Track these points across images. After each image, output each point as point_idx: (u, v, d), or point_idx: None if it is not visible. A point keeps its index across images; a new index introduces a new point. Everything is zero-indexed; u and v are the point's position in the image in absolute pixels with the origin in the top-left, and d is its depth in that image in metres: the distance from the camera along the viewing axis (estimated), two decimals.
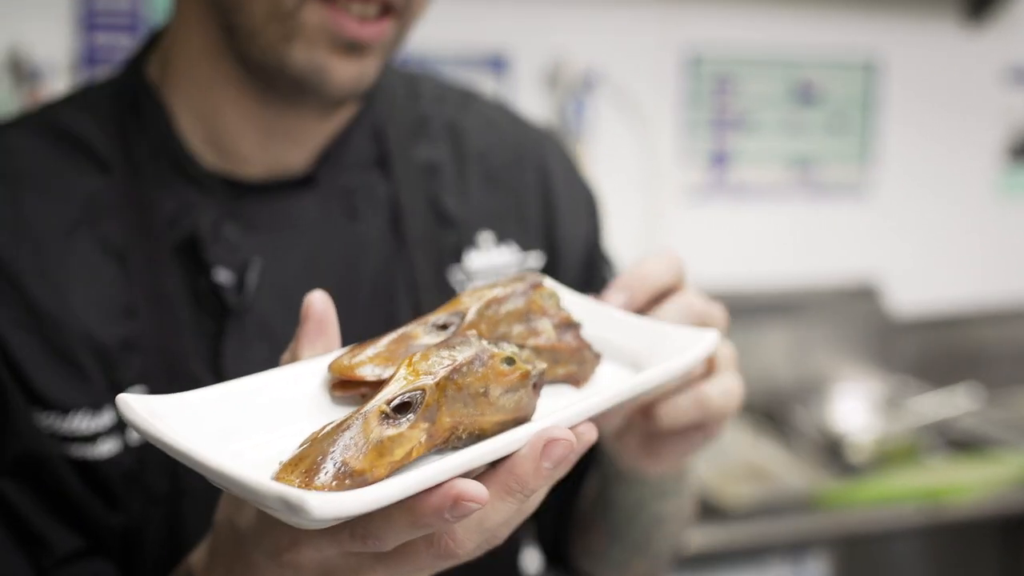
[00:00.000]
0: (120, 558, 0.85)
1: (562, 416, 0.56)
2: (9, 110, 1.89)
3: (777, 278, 2.63)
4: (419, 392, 0.54)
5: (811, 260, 2.68)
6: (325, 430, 0.53)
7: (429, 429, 0.54)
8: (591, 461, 0.97)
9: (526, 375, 0.57)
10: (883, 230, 2.75)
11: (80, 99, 0.92)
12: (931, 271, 2.83)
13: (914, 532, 2.18)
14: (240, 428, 0.57)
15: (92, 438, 0.83)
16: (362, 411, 0.53)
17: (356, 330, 0.88)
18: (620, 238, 2.45)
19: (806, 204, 2.67)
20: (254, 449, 0.55)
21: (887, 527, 2.12)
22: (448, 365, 0.55)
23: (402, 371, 0.55)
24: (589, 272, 1.01)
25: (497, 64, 2.31)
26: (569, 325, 0.66)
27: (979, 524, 2.30)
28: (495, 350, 0.57)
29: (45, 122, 0.90)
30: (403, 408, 0.54)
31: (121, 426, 0.83)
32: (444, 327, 0.62)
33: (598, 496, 0.97)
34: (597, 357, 0.66)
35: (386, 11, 0.84)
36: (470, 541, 0.54)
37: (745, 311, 2.57)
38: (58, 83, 1.96)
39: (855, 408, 2.52)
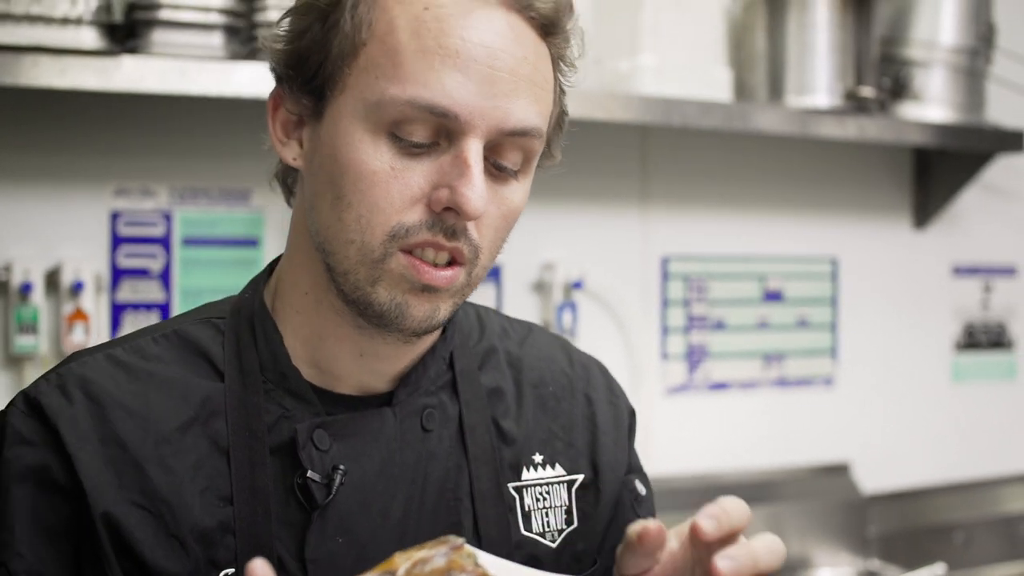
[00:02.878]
0: None
1: None
2: (41, 321, 2.09)
3: (754, 464, 2.79)
4: None
5: (784, 446, 2.85)
6: None
7: None
8: None
9: None
10: (850, 416, 2.95)
11: (204, 314, 1.08)
12: (895, 452, 3.01)
13: None
14: None
15: None
16: None
17: (423, 528, 1.03)
18: None
19: (778, 395, 2.86)
20: None
21: None
22: None
23: None
24: (623, 486, 1.16)
25: (493, 273, 2.49)
26: None
27: None
28: None
29: (174, 332, 1.06)
30: None
31: None
32: None
33: None
34: None
35: (454, 260, 0.99)
36: None
37: (723, 495, 2.71)
38: (90, 298, 2.13)
39: None
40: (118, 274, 2.20)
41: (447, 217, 0.97)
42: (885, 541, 2.92)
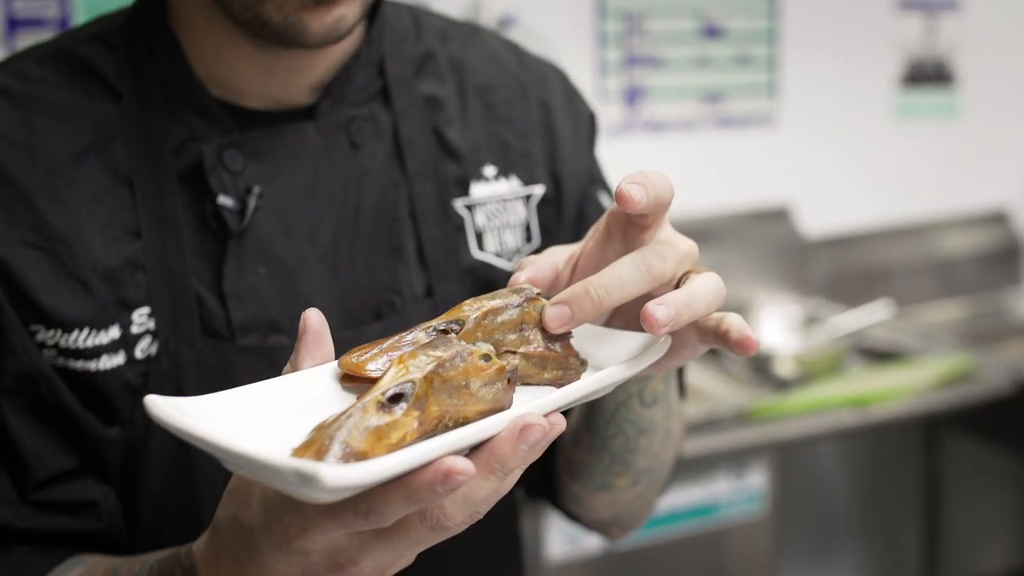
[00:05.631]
0: (121, 472, 0.89)
1: (535, 405, 0.63)
2: None
3: (694, 207, 2.73)
4: (409, 384, 0.61)
5: (725, 188, 2.78)
6: (329, 419, 0.59)
7: (420, 417, 0.61)
8: None
9: (501, 370, 0.64)
10: (791, 157, 2.87)
11: (93, 29, 0.94)
12: (837, 193, 2.95)
13: (841, 436, 2.30)
14: (255, 424, 0.63)
15: (95, 352, 0.86)
16: (361, 402, 0.60)
17: (359, 254, 0.92)
18: None
19: (717, 135, 2.77)
20: (269, 441, 0.61)
21: (817, 432, 2.23)
22: (434, 360, 0.62)
23: (393, 368, 0.62)
24: (586, 197, 1.06)
25: None
26: (559, 335, 0.71)
27: (899, 425, 2.43)
28: (473, 348, 0.64)
29: (59, 50, 0.92)
30: (396, 399, 0.60)
31: (126, 340, 0.87)
32: (445, 332, 0.68)
33: (585, 408, 1.00)
34: (583, 364, 0.73)
35: None
36: (458, 515, 0.60)
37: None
38: None
39: (777, 328, 2.63)
40: (14, 25, 2.02)
41: None
42: (828, 282, 2.90)
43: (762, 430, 2.17)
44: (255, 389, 0.65)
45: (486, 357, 0.64)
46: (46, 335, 0.86)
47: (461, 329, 0.68)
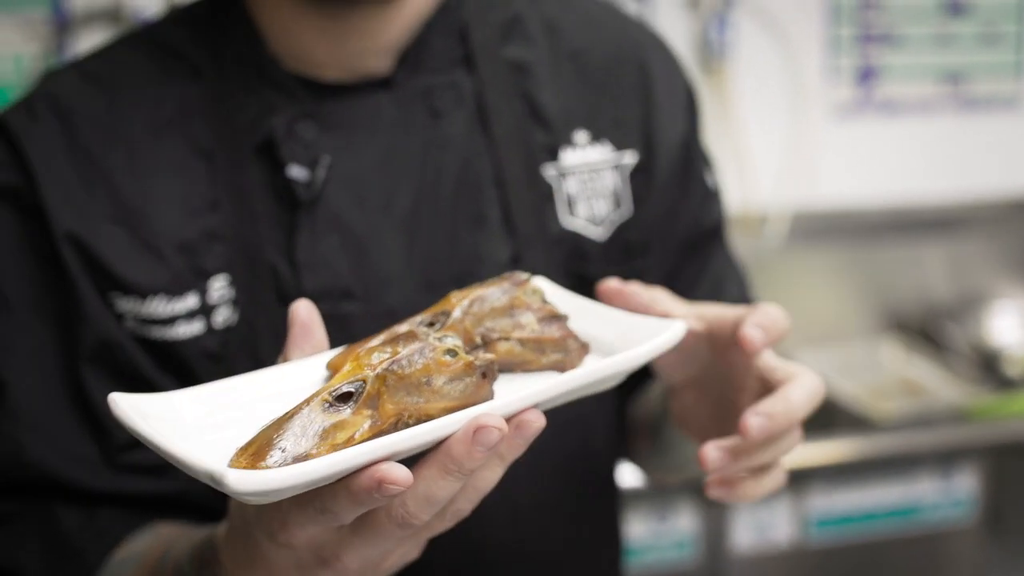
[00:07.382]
0: None
1: (497, 404, 0.60)
2: None
3: (930, 194, 2.59)
4: (360, 382, 0.59)
5: (965, 175, 2.63)
6: (274, 420, 0.58)
7: (373, 415, 0.59)
8: (647, 376, 0.98)
9: (469, 365, 0.61)
10: None
11: (180, 14, 0.99)
12: None
13: None
14: (221, 422, 0.63)
15: (170, 321, 0.90)
16: (308, 401, 0.59)
17: (440, 223, 0.93)
18: (767, 157, 2.46)
19: (959, 118, 2.61)
20: (228, 440, 0.60)
21: None
22: (388, 358, 0.61)
23: (347, 366, 0.61)
24: (684, 168, 1.02)
25: None
26: (554, 318, 0.69)
27: None
28: (437, 344, 0.62)
29: (147, 36, 0.98)
30: (345, 397, 0.59)
31: (205, 309, 0.90)
32: (431, 325, 0.67)
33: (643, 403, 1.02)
34: (584, 347, 0.70)
35: None
36: (423, 513, 0.59)
37: (898, 228, 2.55)
38: None
39: (1011, 324, 2.48)
40: None
41: None
42: None
43: (978, 430, 2.05)
44: (229, 384, 0.66)
45: (451, 352, 0.62)
46: (124, 304, 0.90)
47: (447, 320, 0.67)
